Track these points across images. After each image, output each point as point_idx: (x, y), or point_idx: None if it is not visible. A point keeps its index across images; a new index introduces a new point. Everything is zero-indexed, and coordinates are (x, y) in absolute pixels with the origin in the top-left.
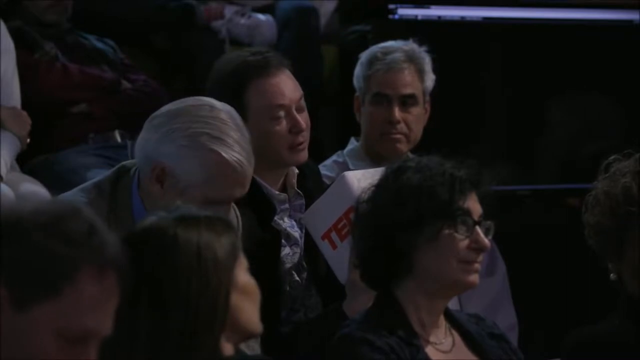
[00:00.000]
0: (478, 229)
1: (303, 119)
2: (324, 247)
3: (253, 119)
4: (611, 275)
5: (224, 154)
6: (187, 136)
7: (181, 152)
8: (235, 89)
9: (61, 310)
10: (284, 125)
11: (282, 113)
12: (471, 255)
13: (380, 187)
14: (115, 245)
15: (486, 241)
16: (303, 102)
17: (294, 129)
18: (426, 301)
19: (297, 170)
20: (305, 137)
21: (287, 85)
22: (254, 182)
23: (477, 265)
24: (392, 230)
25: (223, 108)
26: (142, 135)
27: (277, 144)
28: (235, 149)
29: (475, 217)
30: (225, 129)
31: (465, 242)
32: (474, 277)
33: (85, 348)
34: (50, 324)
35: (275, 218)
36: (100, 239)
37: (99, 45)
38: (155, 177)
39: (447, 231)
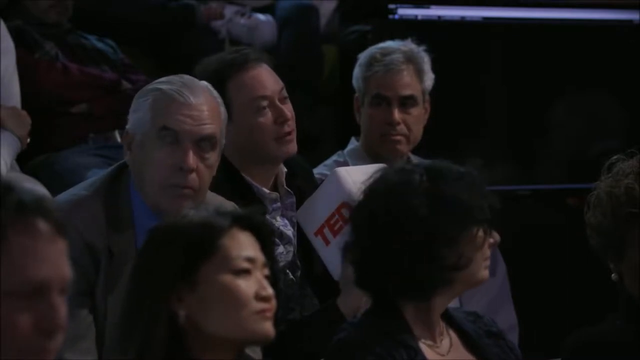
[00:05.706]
0: None
1: (287, 110)
2: (317, 243)
3: (237, 114)
4: (613, 275)
5: (162, 87)
6: (137, 96)
7: (133, 108)
8: (217, 88)
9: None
10: (268, 116)
11: (265, 104)
12: (489, 252)
13: (408, 195)
14: (32, 194)
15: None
16: (285, 93)
17: (279, 119)
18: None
19: (285, 169)
20: (291, 126)
21: (266, 77)
22: (243, 182)
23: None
24: (434, 242)
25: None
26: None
27: (263, 136)
28: (176, 84)
29: None
30: (169, 79)
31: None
32: (487, 272)
33: (46, 301)
34: None
35: (268, 217)
36: (16, 196)
37: (99, 45)
38: (126, 146)
39: (481, 235)
